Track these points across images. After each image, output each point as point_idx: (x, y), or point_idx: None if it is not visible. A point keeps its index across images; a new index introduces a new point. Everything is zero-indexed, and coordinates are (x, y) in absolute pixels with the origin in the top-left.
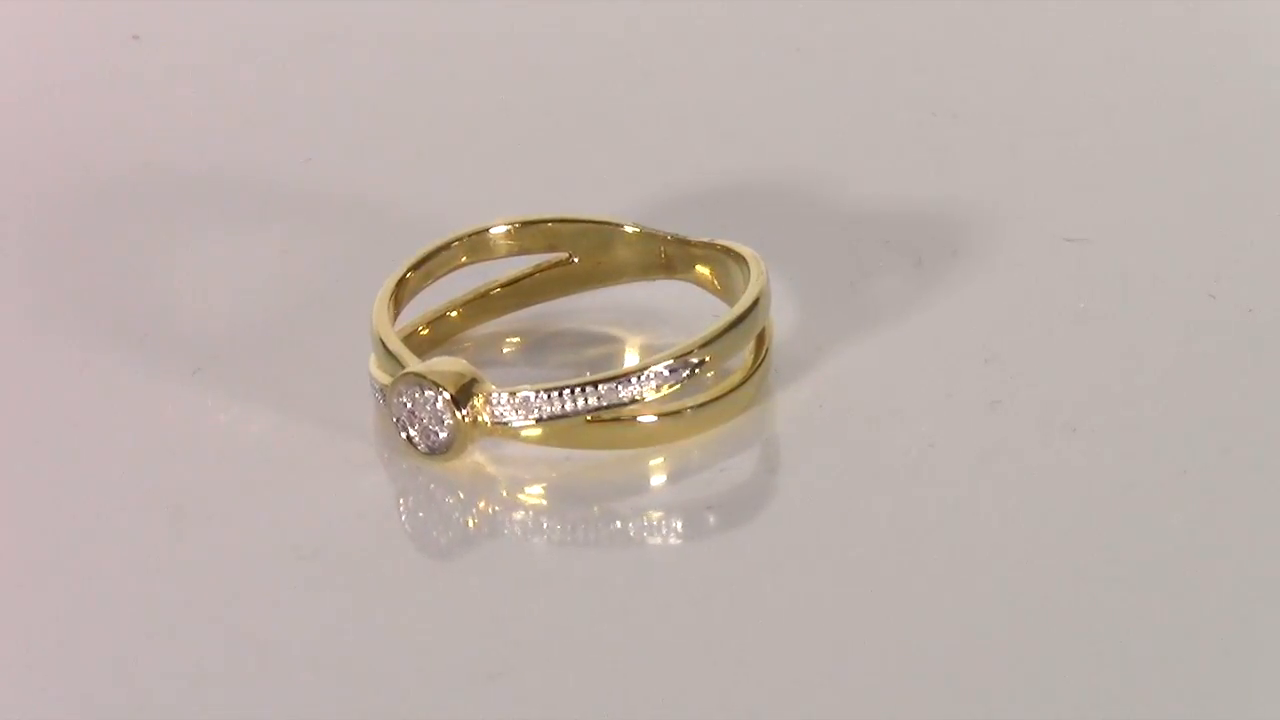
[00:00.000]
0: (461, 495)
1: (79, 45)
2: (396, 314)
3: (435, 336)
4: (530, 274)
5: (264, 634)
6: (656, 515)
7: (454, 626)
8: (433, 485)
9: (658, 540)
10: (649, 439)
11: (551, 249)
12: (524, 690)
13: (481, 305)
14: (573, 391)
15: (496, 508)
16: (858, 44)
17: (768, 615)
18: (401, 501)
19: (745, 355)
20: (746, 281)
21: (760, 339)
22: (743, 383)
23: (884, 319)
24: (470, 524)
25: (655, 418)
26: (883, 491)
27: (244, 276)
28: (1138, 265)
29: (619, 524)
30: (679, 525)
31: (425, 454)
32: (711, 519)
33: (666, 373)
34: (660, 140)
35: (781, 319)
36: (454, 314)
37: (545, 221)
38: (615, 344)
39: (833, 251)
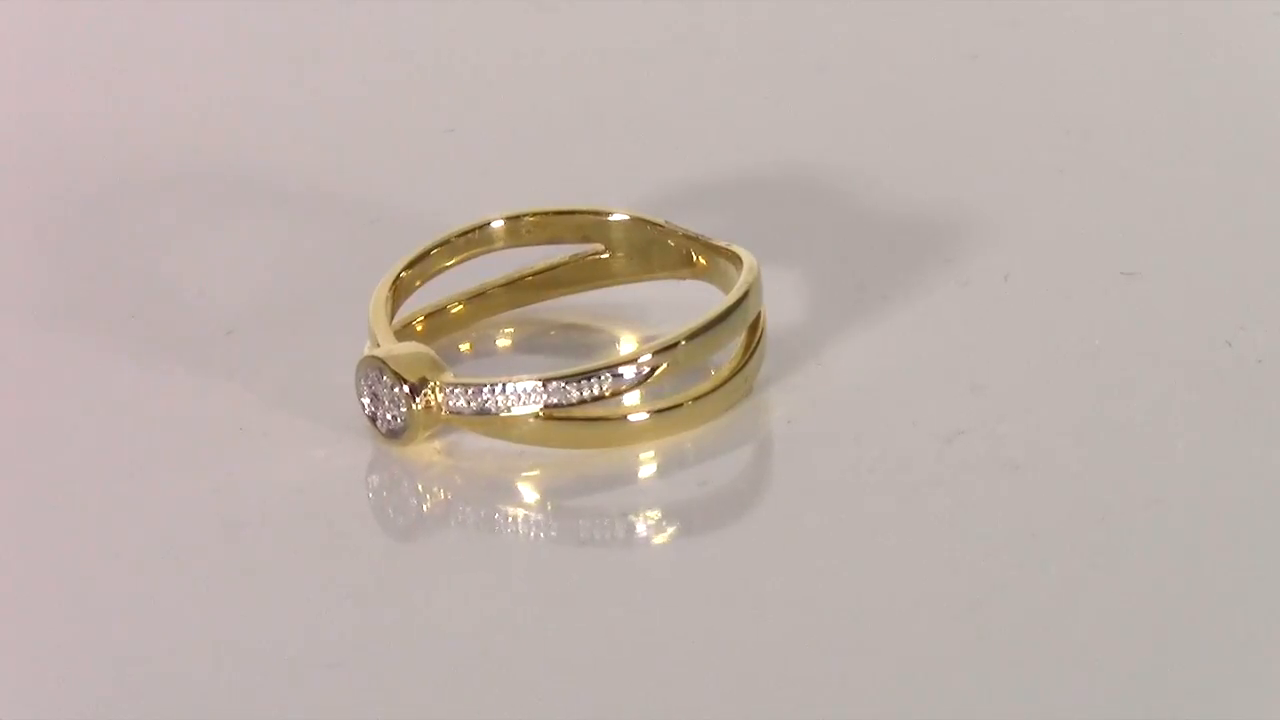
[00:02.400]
0: (408, 483)
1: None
2: (398, 303)
3: (431, 329)
4: (552, 268)
5: (152, 601)
6: (592, 515)
7: (329, 609)
8: (379, 470)
9: (581, 539)
10: (617, 438)
11: (585, 240)
12: (351, 682)
13: (482, 302)
14: (521, 387)
15: (440, 496)
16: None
17: (691, 624)
18: (344, 482)
19: (733, 354)
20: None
21: (750, 340)
22: (714, 390)
23: (895, 333)
24: (409, 510)
25: (637, 416)
26: (812, 511)
27: (262, 266)
28: (1171, 304)
29: (557, 520)
30: (612, 527)
31: (385, 436)
32: (641, 526)
33: (628, 375)
34: (694, 139)
35: (799, 323)
36: (456, 309)
37: (572, 212)
38: (613, 341)
39: (876, 261)
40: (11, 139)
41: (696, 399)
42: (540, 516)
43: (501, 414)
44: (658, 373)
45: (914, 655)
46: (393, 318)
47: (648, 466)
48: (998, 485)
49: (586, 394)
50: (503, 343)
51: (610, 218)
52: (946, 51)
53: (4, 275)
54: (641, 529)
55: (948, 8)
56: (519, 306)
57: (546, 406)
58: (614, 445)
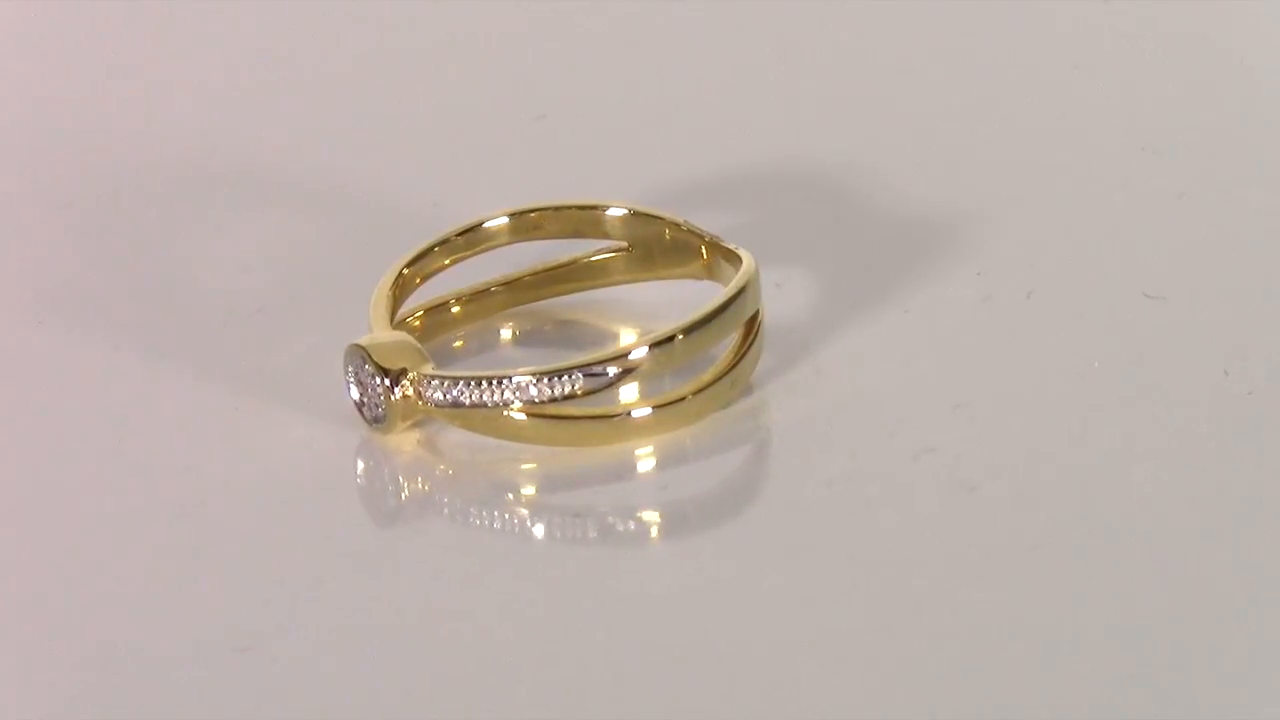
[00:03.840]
0: (388, 472)
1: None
2: (400, 300)
3: (432, 324)
4: (554, 266)
5: (96, 579)
6: (566, 513)
7: (257, 594)
8: (356, 456)
9: (532, 536)
10: (597, 437)
11: (601, 237)
12: (270, 663)
13: (484, 299)
14: (490, 383)
15: (419, 486)
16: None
17: (657, 622)
18: (319, 466)
19: (725, 356)
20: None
21: (743, 342)
22: (698, 392)
23: (903, 344)
24: (385, 498)
25: (619, 415)
26: (765, 520)
27: (282, 257)
28: (1184, 328)
29: (530, 517)
30: (584, 525)
31: (370, 424)
32: (612, 525)
33: (600, 374)
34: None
35: (811, 327)
36: (456, 307)
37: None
38: (611, 338)
39: (904, 272)
40: (39, 138)
41: (679, 400)
42: (514, 512)
43: (474, 408)
44: (633, 374)
45: (819, 677)
46: (395, 315)
47: (627, 465)
48: (947, 506)
49: (558, 392)
50: (505, 335)
51: (609, 212)
52: (1020, 62)
53: (26, 265)
54: (613, 528)
55: (1002, 14)
56: (521, 305)
57: (523, 403)
58: (593, 444)
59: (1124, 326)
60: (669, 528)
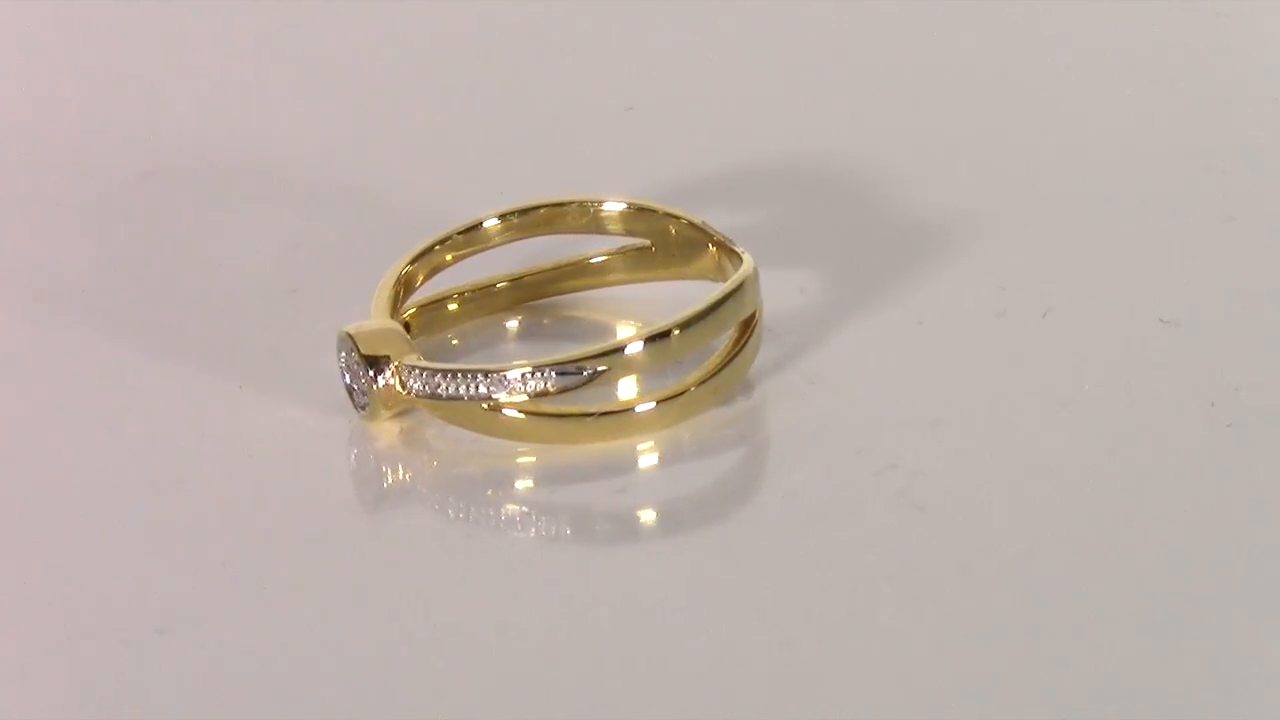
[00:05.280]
0: (374, 460)
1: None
2: (404, 297)
3: (435, 321)
4: (557, 266)
5: (60, 547)
6: (522, 509)
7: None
8: (339, 441)
9: (510, 533)
10: (578, 436)
11: (606, 234)
12: (192, 643)
13: (485, 297)
14: (467, 376)
15: (401, 475)
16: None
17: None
18: (302, 448)
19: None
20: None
21: (735, 345)
22: (679, 395)
23: (902, 356)
24: (371, 484)
25: (597, 416)
26: (720, 527)
27: (288, 251)
28: (1186, 356)
29: (506, 513)
30: (540, 522)
31: (358, 410)
32: (581, 524)
33: (574, 374)
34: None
35: (814, 333)
36: (457, 306)
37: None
38: (609, 335)
39: (924, 282)
40: (64, 137)
41: (669, 399)
42: (490, 506)
43: (451, 400)
44: (609, 373)
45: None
46: (396, 311)
47: (610, 464)
48: (891, 524)
49: (531, 388)
50: (510, 330)
51: (613, 208)
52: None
53: (57, 248)
54: (589, 527)
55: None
56: (526, 302)
57: (500, 398)
58: (572, 441)
59: (1129, 351)
60: (630, 530)
